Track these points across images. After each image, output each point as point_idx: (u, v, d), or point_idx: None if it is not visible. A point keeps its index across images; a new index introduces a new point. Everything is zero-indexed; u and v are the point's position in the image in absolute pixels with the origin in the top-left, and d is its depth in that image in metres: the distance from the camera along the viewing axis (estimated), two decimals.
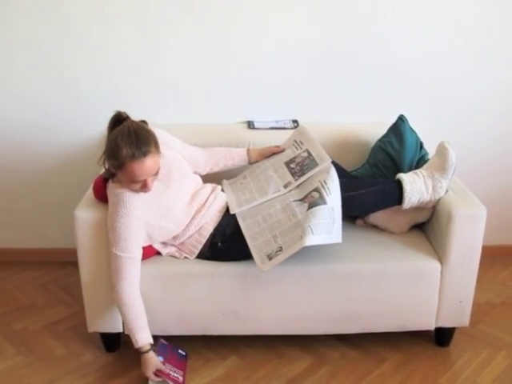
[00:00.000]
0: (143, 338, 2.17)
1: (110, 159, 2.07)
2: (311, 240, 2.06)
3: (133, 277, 2.15)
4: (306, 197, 2.22)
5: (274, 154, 2.51)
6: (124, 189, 2.12)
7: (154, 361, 2.18)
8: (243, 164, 2.53)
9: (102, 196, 2.25)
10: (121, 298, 2.14)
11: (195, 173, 2.46)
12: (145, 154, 2.00)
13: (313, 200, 2.17)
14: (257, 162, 2.52)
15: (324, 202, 2.14)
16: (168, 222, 2.22)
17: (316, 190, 2.21)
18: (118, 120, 2.10)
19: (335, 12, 2.72)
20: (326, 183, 2.20)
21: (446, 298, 2.31)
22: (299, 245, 2.06)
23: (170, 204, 2.22)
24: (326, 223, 2.12)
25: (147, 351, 2.18)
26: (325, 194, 2.16)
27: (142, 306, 2.18)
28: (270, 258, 2.14)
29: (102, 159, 2.12)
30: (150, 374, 2.17)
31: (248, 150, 2.54)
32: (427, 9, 2.73)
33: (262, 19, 2.74)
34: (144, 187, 2.09)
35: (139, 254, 2.17)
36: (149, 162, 2.02)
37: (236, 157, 2.52)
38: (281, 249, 2.14)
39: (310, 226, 2.09)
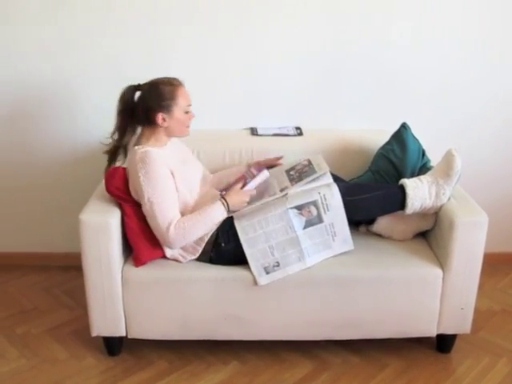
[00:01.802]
0: (219, 208, 2.25)
1: (161, 106, 2.25)
2: (308, 262, 2.25)
3: (168, 216, 2.20)
4: (303, 207, 2.25)
5: (276, 165, 2.53)
6: (150, 147, 2.26)
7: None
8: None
9: (117, 183, 2.28)
10: (174, 240, 2.20)
11: None
12: (181, 82, 2.33)
13: (310, 217, 2.25)
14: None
15: (320, 221, 2.26)
16: (184, 187, 2.29)
17: (315, 204, 2.25)
18: (134, 88, 2.30)
19: (338, 20, 2.75)
20: (325, 199, 2.25)
21: (447, 305, 2.31)
22: (297, 267, 2.25)
23: (188, 171, 2.38)
24: (323, 241, 2.28)
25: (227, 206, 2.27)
26: (322, 211, 2.26)
27: (191, 216, 2.23)
28: (266, 271, 2.24)
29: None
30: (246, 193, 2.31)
31: (248, 164, 2.58)
32: (430, 17, 2.75)
33: (265, 27, 2.76)
34: (191, 117, 2.35)
35: (175, 197, 2.25)
36: (186, 88, 2.33)
37: (238, 174, 2.56)
38: (278, 264, 2.24)
39: (306, 247, 2.25)
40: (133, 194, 2.28)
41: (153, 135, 2.31)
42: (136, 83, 2.31)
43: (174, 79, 2.31)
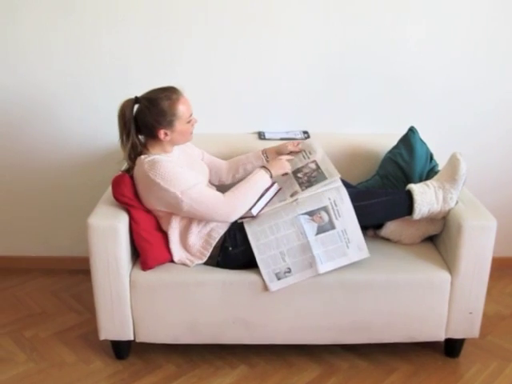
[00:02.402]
0: (263, 175, 2.31)
1: (162, 123, 2.23)
2: (320, 269, 2.23)
3: (211, 194, 2.24)
4: (314, 213, 2.25)
5: (291, 152, 2.51)
6: (156, 155, 2.26)
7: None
8: (262, 164, 2.53)
9: (123, 190, 2.27)
10: (229, 211, 2.24)
11: (219, 182, 2.63)
12: (179, 91, 2.28)
13: (322, 223, 2.24)
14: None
15: (332, 227, 2.25)
16: None
17: (325, 209, 2.25)
18: (132, 102, 2.25)
19: (346, 24, 2.75)
20: (336, 204, 2.25)
21: (455, 309, 2.30)
22: (309, 273, 2.24)
23: (196, 175, 2.34)
24: (337, 247, 2.25)
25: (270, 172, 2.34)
26: (334, 217, 2.25)
27: (237, 186, 2.29)
28: (278, 277, 2.23)
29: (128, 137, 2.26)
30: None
31: (264, 150, 2.57)
32: (438, 20, 2.75)
33: (273, 31, 2.77)
34: (194, 124, 2.33)
35: (198, 181, 2.27)
36: (185, 95, 2.29)
37: (254, 160, 2.56)
38: (289, 270, 2.23)
39: (318, 254, 2.23)
40: (147, 203, 2.28)
41: (157, 146, 2.31)
42: (133, 96, 2.26)
43: (173, 91, 2.26)
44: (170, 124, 2.24)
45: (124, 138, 2.28)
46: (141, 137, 2.32)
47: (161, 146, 2.31)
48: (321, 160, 2.43)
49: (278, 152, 2.54)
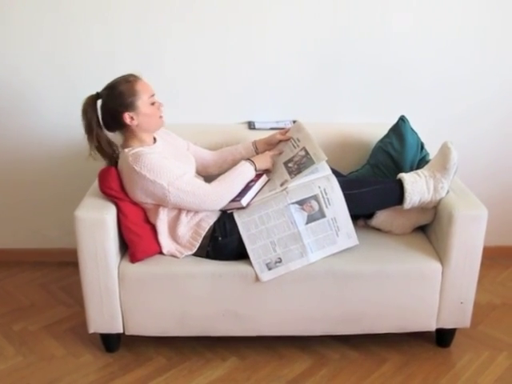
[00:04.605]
0: (248, 167, 2.35)
1: (124, 105, 2.20)
2: (311, 258, 2.24)
3: (197, 184, 2.24)
4: (304, 202, 2.24)
5: (281, 141, 2.50)
6: (140, 148, 2.24)
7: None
8: (252, 156, 2.52)
9: (109, 183, 2.26)
10: (216, 199, 2.25)
11: (206, 173, 2.58)
12: (136, 75, 2.26)
13: (312, 212, 2.24)
14: (265, 151, 2.53)
15: (323, 215, 2.24)
16: None
17: (315, 198, 2.24)
18: (94, 98, 2.26)
19: (336, 12, 2.72)
20: (326, 193, 2.24)
21: (446, 299, 2.30)
22: (299, 263, 2.23)
23: (183, 168, 2.31)
24: (327, 236, 2.26)
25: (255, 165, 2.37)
26: (324, 205, 2.24)
27: (224, 176, 2.31)
28: (269, 267, 2.22)
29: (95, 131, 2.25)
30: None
31: (254, 141, 2.56)
32: (430, 10, 2.72)
33: (262, 20, 2.74)
34: (159, 106, 2.29)
35: (185, 171, 2.26)
36: (144, 79, 2.27)
37: (243, 150, 2.55)
38: (280, 260, 2.23)
39: (309, 243, 2.24)
40: (133, 196, 2.26)
41: (133, 137, 2.28)
42: (94, 92, 2.26)
43: (130, 75, 2.25)
44: (131, 105, 2.21)
45: (88, 135, 2.26)
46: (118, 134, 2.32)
47: (137, 138, 2.28)
48: (309, 144, 2.39)
49: (268, 143, 2.53)
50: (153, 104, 2.27)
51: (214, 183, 2.28)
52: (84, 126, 2.25)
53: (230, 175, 2.31)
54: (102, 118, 2.26)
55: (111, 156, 2.32)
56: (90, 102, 2.24)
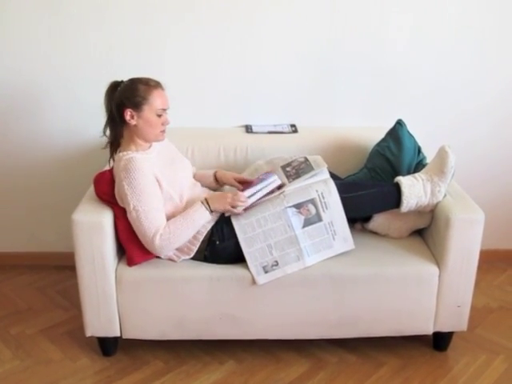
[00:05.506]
0: (202, 213, 2.22)
1: (131, 102, 2.19)
2: (307, 262, 2.23)
3: (156, 225, 2.18)
4: (302, 206, 2.24)
5: (245, 182, 2.44)
6: (134, 153, 2.22)
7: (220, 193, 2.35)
8: (214, 186, 2.54)
9: (104, 188, 2.26)
10: (161, 248, 2.19)
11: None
12: (161, 84, 2.26)
13: (309, 216, 2.24)
14: (228, 185, 2.52)
15: (319, 219, 2.25)
16: (174, 191, 2.26)
17: (313, 202, 2.25)
18: (116, 85, 2.25)
19: (334, 17, 2.73)
20: (323, 197, 2.25)
21: (443, 303, 2.30)
22: (296, 266, 2.23)
23: (177, 172, 2.33)
24: (323, 240, 2.26)
25: (209, 207, 2.24)
26: (321, 209, 2.24)
27: (174, 220, 2.20)
28: (265, 270, 2.22)
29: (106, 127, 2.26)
30: (230, 200, 2.22)
31: (215, 172, 2.55)
32: (428, 15, 2.73)
33: (260, 24, 2.74)
34: (164, 122, 2.26)
35: (161, 205, 2.22)
36: (165, 92, 2.26)
37: (207, 179, 2.54)
38: (276, 263, 2.22)
39: (305, 246, 2.23)
40: (118, 200, 2.25)
41: (130, 141, 2.27)
42: (120, 79, 2.27)
43: (154, 81, 2.24)
44: (137, 105, 2.20)
45: (108, 120, 2.27)
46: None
47: (133, 141, 2.26)
48: (311, 156, 2.43)
49: (234, 178, 2.49)
50: (159, 116, 2.24)
51: (167, 226, 2.19)
52: (105, 108, 2.27)
53: (181, 221, 2.20)
54: (111, 103, 2.24)
55: (114, 145, 2.31)
56: (112, 87, 2.25)
